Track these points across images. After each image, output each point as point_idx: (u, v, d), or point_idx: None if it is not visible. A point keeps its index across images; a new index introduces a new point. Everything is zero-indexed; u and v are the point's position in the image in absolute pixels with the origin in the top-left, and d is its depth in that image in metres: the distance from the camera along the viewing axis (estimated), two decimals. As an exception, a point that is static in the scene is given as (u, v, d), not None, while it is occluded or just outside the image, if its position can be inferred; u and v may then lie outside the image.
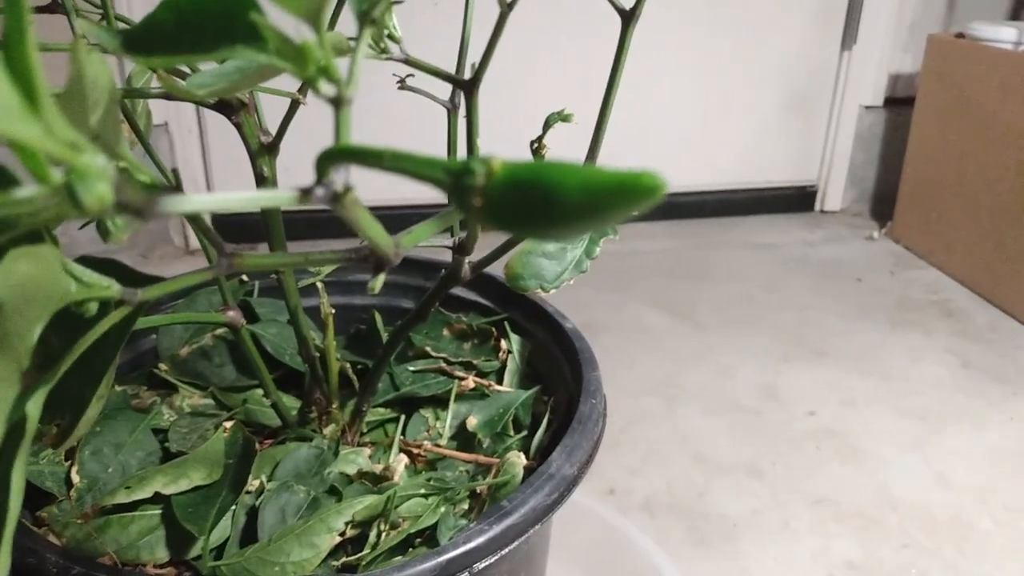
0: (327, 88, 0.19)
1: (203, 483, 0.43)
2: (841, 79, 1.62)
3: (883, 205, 1.67)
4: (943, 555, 0.78)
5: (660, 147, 1.60)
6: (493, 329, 0.56)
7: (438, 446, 0.49)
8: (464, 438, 0.49)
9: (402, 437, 0.50)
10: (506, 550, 0.37)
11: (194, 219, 0.29)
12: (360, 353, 0.56)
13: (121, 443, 0.46)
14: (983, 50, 1.31)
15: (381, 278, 0.21)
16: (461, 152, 0.44)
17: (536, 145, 0.40)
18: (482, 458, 0.48)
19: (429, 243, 0.40)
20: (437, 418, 0.51)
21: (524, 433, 0.50)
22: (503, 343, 0.55)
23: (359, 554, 0.40)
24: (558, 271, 0.43)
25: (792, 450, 0.93)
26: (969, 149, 1.34)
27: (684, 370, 1.09)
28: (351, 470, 0.46)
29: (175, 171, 0.24)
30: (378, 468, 0.46)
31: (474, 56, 0.41)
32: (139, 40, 0.21)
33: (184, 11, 0.20)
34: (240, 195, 0.17)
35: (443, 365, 0.54)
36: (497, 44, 0.38)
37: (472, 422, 0.49)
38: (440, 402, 0.52)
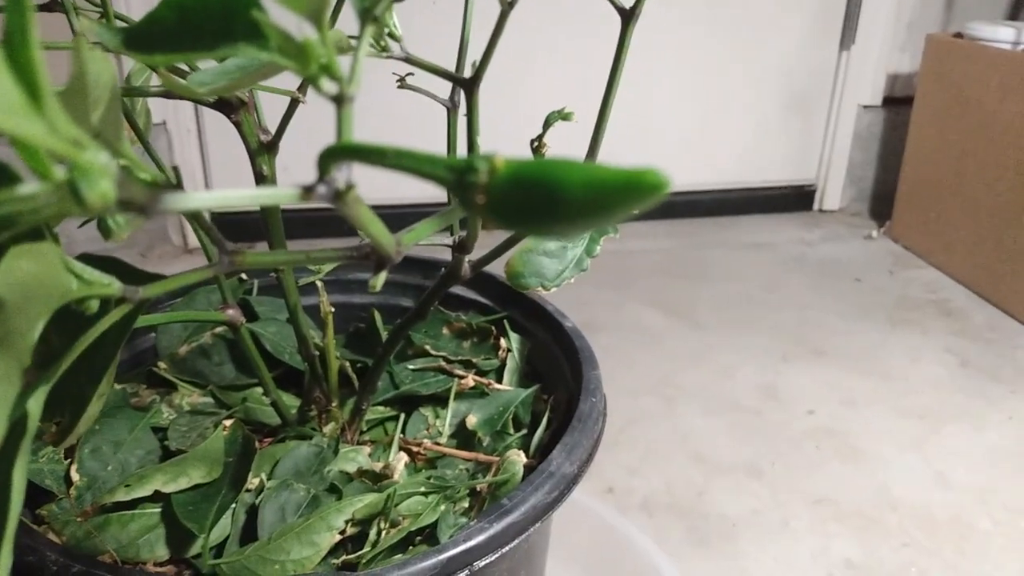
0: (329, 86, 0.19)
1: (203, 481, 0.43)
2: (840, 79, 1.62)
3: (882, 204, 1.67)
4: (943, 555, 0.78)
5: (659, 146, 1.60)
6: (493, 328, 0.56)
7: (438, 444, 0.49)
8: (464, 436, 0.49)
9: (402, 435, 0.50)
10: (506, 548, 0.37)
11: (195, 217, 0.29)
12: (359, 352, 0.56)
13: (120, 441, 0.46)
14: (982, 50, 1.31)
15: (382, 276, 0.21)
16: (461, 151, 0.44)
17: (536, 144, 0.40)
18: (482, 456, 0.48)
19: (429, 241, 0.40)
20: (437, 416, 0.51)
21: (524, 431, 0.50)
22: (503, 341, 0.55)
23: (359, 552, 0.40)
24: (559, 269, 0.43)
25: (791, 450, 0.93)
26: (968, 149, 1.34)
27: (683, 369, 1.09)
28: (351, 468, 0.46)
29: (176, 169, 0.24)
30: (378, 466, 0.46)
31: (473, 55, 0.41)
32: (140, 38, 0.21)
33: (186, 9, 0.20)
34: (243, 192, 0.17)
35: (443, 363, 0.54)
36: (497, 43, 0.38)
37: (472, 420, 0.49)
38: (440, 400, 0.52)
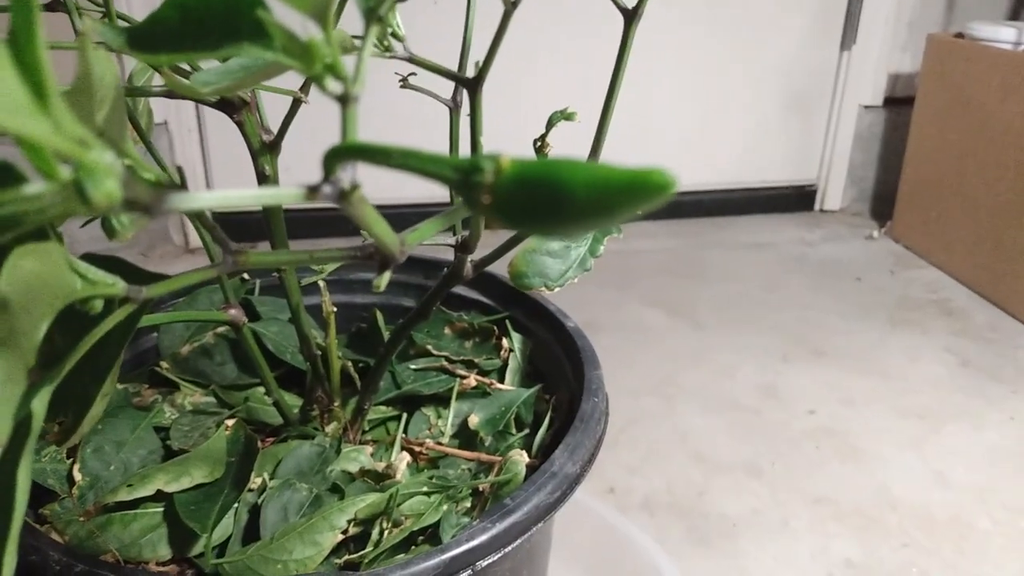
0: (334, 86, 0.19)
1: (205, 481, 0.43)
2: (841, 79, 1.62)
3: (883, 204, 1.67)
4: (942, 554, 0.78)
5: (660, 146, 1.60)
6: (495, 327, 0.56)
7: (440, 444, 0.49)
8: (466, 436, 0.49)
9: (404, 435, 0.50)
10: (509, 548, 0.37)
11: (199, 217, 0.29)
12: (361, 351, 0.56)
13: (123, 441, 0.46)
14: (983, 50, 1.31)
15: (387, 276, 0.21)
16: (463, 150, 0.44)
17: (539, 144, 0.40)
18: (484, 456, 0.48)
19: (431, 241, 0.40)
20: (439, 416, 0.51)
21: (526, 431, 0.50)
22: (504, 341, 0.55)
23: (361, 552, 0.40)
24: (562, 269, 0.43)
25: (791, 449, 0.93)
26: (969, 149, 1.34)
27: (684, 369, 1.09)
28: (353, 468, 0.46)
29: (180, 169, 0.24)
30: (380, 466, 0.46)
31: (474, 55, 0.41)
32: (144, 38, 0.21)
33: (190, 8, 0.20)
34: (248, 192, 0.17)
35: (445, 363, 0.54)
36: (501, 42, 0.38)
37: (474, 420, 0.49)
38: (442, 400, 0.52)
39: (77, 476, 0.43)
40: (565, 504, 0.40)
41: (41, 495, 0.43)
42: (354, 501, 0.41)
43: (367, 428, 0.51)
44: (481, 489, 0.45)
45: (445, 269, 0.43)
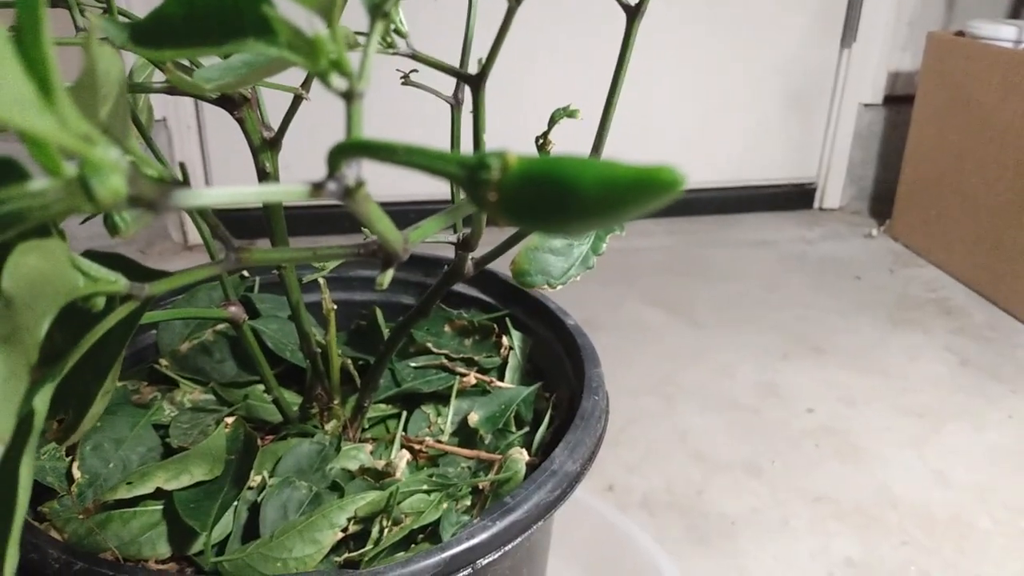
0: (339, 82, 0.19)
1: (204, 479, 0.43)
2: (840, 77, 1.62)
3: (882, 203, 1.67)
4: (942, 553, 0.78)
5: (660, 145, 1.60)
6: (494, 325, 0.56)
7: (440, 442, 0.49)
8: (466, 434, 0.49)
9: (404, 433, 0.50)
10: (509, 546, 0.37)
11: (202, 214, 0.29)
12: (361, 349, 0.56)
13: (122, 438, 0.46)
14: (983, 48, 1.31)
15: (390, 273, 0.21)
16: (465, 148, 0.44)
17: (542, 141, 0.40)
18: (484, 454, 0.48)
19: (433, 239, 0.40)
20: (439, 414, 0.51)
21: (526, 429, 0.50)
22: (504, 339, 0.55)
23: (361, 550, 0.40)
24: (565, 267, 0.43)
25: (791, 448, 0.93)
26: (968, 147, 1.34)
27: (683, 368, 1.09)
28: (353, 466, 0.46)
29: (182, 165, 0.24)
30: (380, 464, 0.46)
31: (475, 52, 0.41)
32: (148, 34, 0.21)
33: (194, 4, 0.20)
34: (252, 188, 0.17)
35: (444, 361, 0.54)
36: (504, 39, 0.38)
37: (474, 418, 0.49)
38: (442, 398, 0.52)
39: (76, 474, 0.43)
40: (565, 502, 0.40)
41: (40, 493, 0.43)
42: (354, 499, 0.41)
43: (367, 426, 0.51)
44: (481, 487, 0.45)
45: (446, 267, 0.43)
